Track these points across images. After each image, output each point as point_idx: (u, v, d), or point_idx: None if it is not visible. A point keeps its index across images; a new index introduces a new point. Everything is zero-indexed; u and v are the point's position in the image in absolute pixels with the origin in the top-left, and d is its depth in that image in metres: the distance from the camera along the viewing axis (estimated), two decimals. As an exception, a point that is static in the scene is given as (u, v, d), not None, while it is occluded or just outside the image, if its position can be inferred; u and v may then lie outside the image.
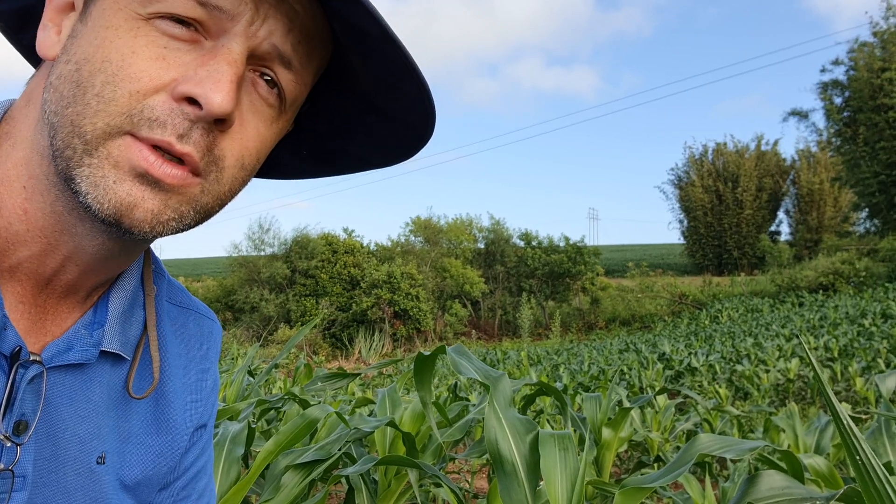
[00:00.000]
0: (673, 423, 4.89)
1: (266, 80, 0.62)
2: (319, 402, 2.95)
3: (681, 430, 4.63)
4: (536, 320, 35.53)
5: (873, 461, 0.76)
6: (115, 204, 0.55)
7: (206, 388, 0.83)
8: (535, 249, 38.83)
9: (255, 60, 0.60)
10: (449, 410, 3.09)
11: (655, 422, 4.66)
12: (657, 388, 6.14)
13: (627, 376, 9.89)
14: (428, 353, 1.73)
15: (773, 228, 50.23)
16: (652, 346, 16.69)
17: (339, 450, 2.05)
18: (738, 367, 9.11)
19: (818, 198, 45.80)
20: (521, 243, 40.02)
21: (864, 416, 5.20)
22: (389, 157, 0.78)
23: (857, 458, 0.77)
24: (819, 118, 47.34)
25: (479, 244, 40.40)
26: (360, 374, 2.83)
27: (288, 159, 0.79)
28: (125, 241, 0.63)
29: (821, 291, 27.04)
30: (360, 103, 0.71)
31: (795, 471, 1.73)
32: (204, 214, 0.62)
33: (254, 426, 2.53)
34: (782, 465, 1.94)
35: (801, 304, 24.78)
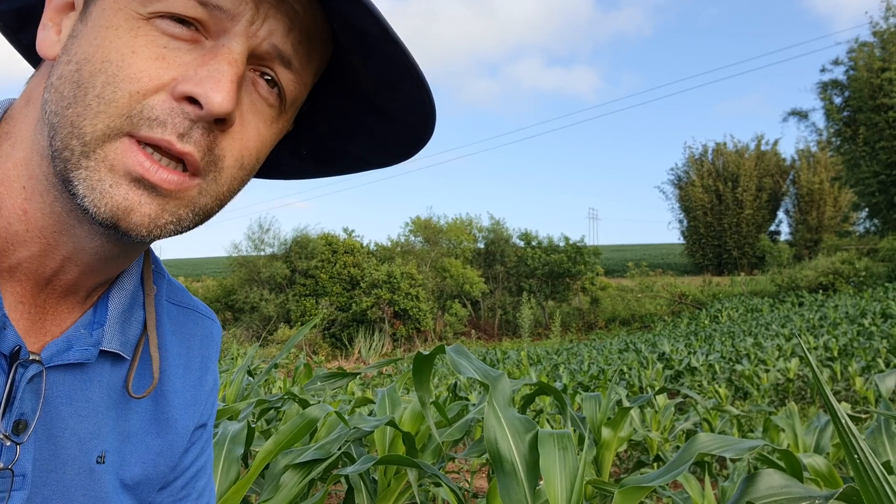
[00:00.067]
0: (672, 422, 4.89)
1: (266, 80, 0.62)
2: (319, 402, 2.95)
3: (680, 430, 4.63)
4: (536, 320, 35.54)
5: (872, 460, 0.76)
6: (111, 208, 0.55)
7: (205, 388, 0.83)
8: (534, 249, 38.83)
9: (256, 60, 0.60)
10: (448, 410, 3.09)
11: (655, 421, 4.66)
12: (657, 388, 6.14)
13: (627, 376, 9.89)
14: (427, 352, 1.73)
15: (772, 228, 50.31)
16: (652, 345, 16.69)
17: (339, 449, 2.05)
18: (738, 367, 9.11)
19: (818, 198, 45.81)
20: (521, 243, 40.03)
21: (863, 416, 5.21)
22: (389, 157, 0.78)
23: (856, 457, 0.77)
24: (819, 118, 47.41)
25: (478, 244, 40.40)
26: (359, 373, 2.83)
27: (288, 159, 0.79)
28: (124, 243, 0.63)
29: (820, 291, 27.05)
30: (359, 103, 0.71)
31: (794, 470, 1.73)
32: (203, 216, 0.62)
33: (253, 426, 2.53)
34: (781, 464, 1.94)
35: (800, 304, 24.78)
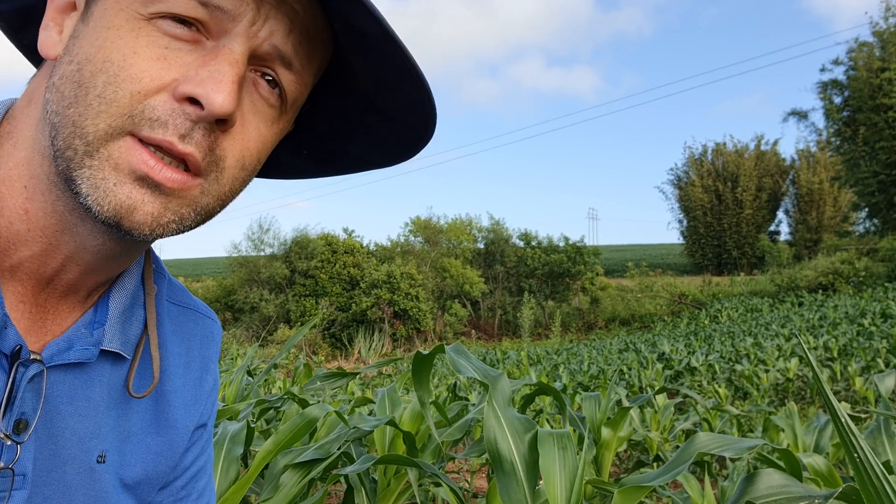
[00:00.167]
0: (672, 422, 4.90)
1: (267, 81, 0.62)
2: (319, 402, 2.95)
3: (680, 430, 4.63)
4: (536, 320, 35.53)
5: (872, 460, 0.76)
6: (115, 206, 0.56)
7: (206, 388, 0.83)
8: (534, 249, 38.82)
9: (257, 61, 0.60)
10: (448, 410, 3.09)
11: (655, 421, 4.66)
12: (656, 388, 6.14)
13: (627, 376, 9.90)
14: (426, 352, 1.73)
15: (772, 228, 50.33)
16: (651, 345, 16.69)
17: (339, 449, 2.05)
18: (738, 367, 9.11)
19: (818, 197, 45.82)
20: (521, 243, 40.03)
21: (863, 416, 5.21)
22: (390, 158, 0.78)
23: (856, 456, 0.77)
24: (819, 118, 47.43)
25: (478, 244, 40.40)
26: (359, 373, 2.83)
27: (288, 159, 0.79)
28: (126, 242, 0.63)
29: (820, 291, 27.06)
30: (360, 103, 0.71)
31: (794, 470, 1.73)
32: (205, 215, 0.62)
33: (253, 426, 2.53)
34: (781, 464, 1.94)
35: (800, 304, 24.79)
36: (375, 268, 34.24)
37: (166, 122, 0.55)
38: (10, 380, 0.60)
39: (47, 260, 0.62)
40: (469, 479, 4.04)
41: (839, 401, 7.15)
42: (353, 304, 32.91)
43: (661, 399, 4.94)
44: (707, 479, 2.15)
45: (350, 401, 3.85)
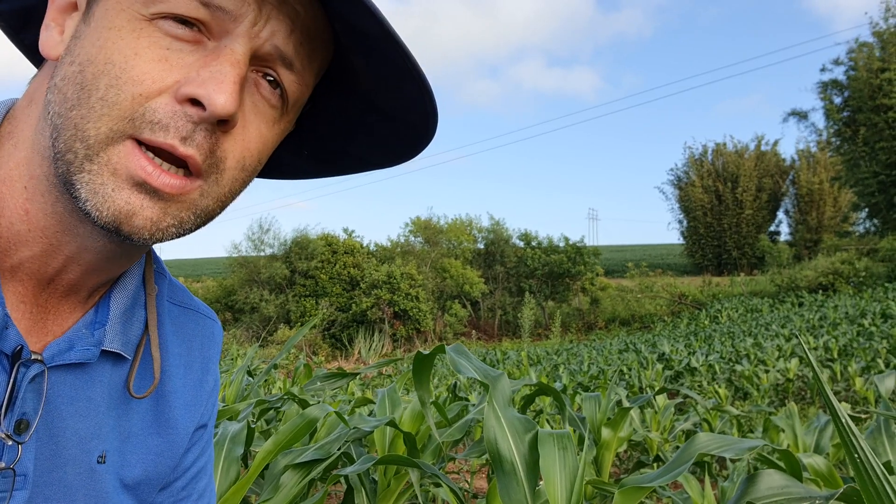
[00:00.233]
0: (672, 422, 4.89)
1: (269, 81, 0.62)
2: (319, 402, 2.95)
3: (680, 430, 4.63)
4: (536, 320, 35.53)
5: (872, 460, 0.76)
6: (113, 212, 0.56)
7: (206, 388, 0.83)
8: (534, 250, 38.82)
9: (258, 61, 0.60)
10: (448, 410, 3.09)
11: (655, 422, 4.66)
12: (656, 388, 6.14)
13: (627, 376, 9.89)
14: (427, 352, 1.73)
15: (772, 228, 50.34)
16: (651, 346, 16.69)
17: (339, 449, 2.05)
18: (738, 367, 9.11)
19: (818, 198, 45.82)
20: (521, 243, 40.03)
21: (863, 416, 5.21)
22: (391, 158, 0.77)
23: (856, 457, 0.77)
24: (819, 118, 47.45)
25: (478, 244, 40.40)
26: (359, 373, 2.83)
27: (289, 159, 0.79)
28: (126, 244, 0.63)
29: (820, 291, 27.06)
30: (361, 103, 0.71)
31: (794, 470, 1.73)
32: (205, 218, 0.62)
33: (253, 426, 2.53)
34: (781, 464, 1.94)
35: (800, 304, 24.78)
36: (375, 268, 34.24)
37: (167, 126, 0.55)
38: (12, 380, 0.60)
39: (48, 260, 0.62)
40: (469, 480, 4.04)
41: (839, 401, 7.15)
42: (354, 305, 32.91)
43: (661, 399, 4.94)
44: (707, 479, 2.15)
45: (350, 401, 3.85)
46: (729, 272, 43.99)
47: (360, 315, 32.62)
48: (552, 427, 4.81)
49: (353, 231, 39.32)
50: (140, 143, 0.56)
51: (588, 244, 40.02)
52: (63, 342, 0.65)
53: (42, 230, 0.61)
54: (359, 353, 29.51)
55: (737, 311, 26.99)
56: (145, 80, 0.55)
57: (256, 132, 0.63)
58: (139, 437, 0.74)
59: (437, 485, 2.47)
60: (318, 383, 2.79)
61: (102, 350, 0.68)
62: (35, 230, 0.61)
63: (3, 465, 0.60)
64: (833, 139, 36.01)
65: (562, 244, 38.63)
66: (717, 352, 12.14)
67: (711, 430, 5.00)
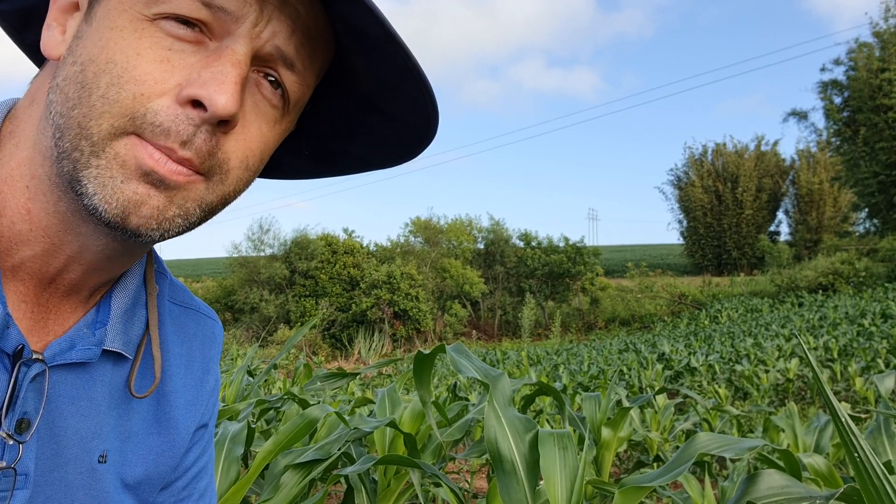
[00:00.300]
0: (672, 422, 4.90)
1: (270, 81, 0.62)
2: (319, 402, 2.95)
3: (680, 430, 4.63)
4: (536, 320, 35.53)
5: (872, 460, 0.76)
6: (122, 202, 0.56)
7: (207, 388, 0.83)
8: (534, 250, 38.83)
9: (259, 62, 0.61)
10: (448, 410, 3.09)
11: (655, 421, 4.66)
12: (656, 388, 6.13)
13: (627, 376, 9.89)
14: (427, 352, 1.73)
15: (772, 228, 50.34)
16: (651, 346, 16.69)
17: (339, 450, 2.05)
18: (738, 367, 9.11)
19: (818, 198, 45.82)
20: (521, 244, 40.04)
21: (863, 416, 5.21)
22: (392, 158, 0.78)
23: (857, 456, 0.77)
24: (819, 118, 47.46)
25: (478, 244, 40.40)
26: (359, 373, 2.83)
27: (290, 159, 0.79)
28: (129, 242, 0.63)
29: (820, 291, 27.06)
30: (362, 103, 0.71)
31: (793, 470, 1.73)
32: (209, 212, 0.63)
33: (253, 426, 2.53)
34: (781, 464, 1.94)
35: (800, 305, 24.78)
36: (375, 268, 34.24)
37: (168, 130, 0.55)
38: (13, 379, 0.60)
39: (49, 260, 0.62)
40: (469, 480, 4.04)
41: (839, 401, 7.15)
42: (353, 305, 32.91)
43: (661, 399, 4.94)
44: (707, 479, 2.15)
45: (350, 401, 3.85)
46: (729, 272, 44.00)
47: (359, 315, 32.62)
48: (552, 427, 4.81)
49: (353, 231, 39.38)
50: (143, 139, 0.56)
51: (588, 244, 40.05)
52: (64, 341, 0.65)
53: (44, 229, 0.61)
54: (359, 353, 29.51)
55: (737, 312, 27.00)
56: (147, 80, 0.55)
57: (258, 132, 0.63)
58: (140, 437, 0.74)
59: (438, 485, 2.47)
60: (318, 383, 2.79)
61: (103, 350, 0.68)
62: (37, 230, 0.61)
63: (4, 464, 0.60)
64: (833, 139, 36.02)
65: (562, 244, 38.63)
66: (717, 352, 12.14)
67: (711, 429, 5.00)
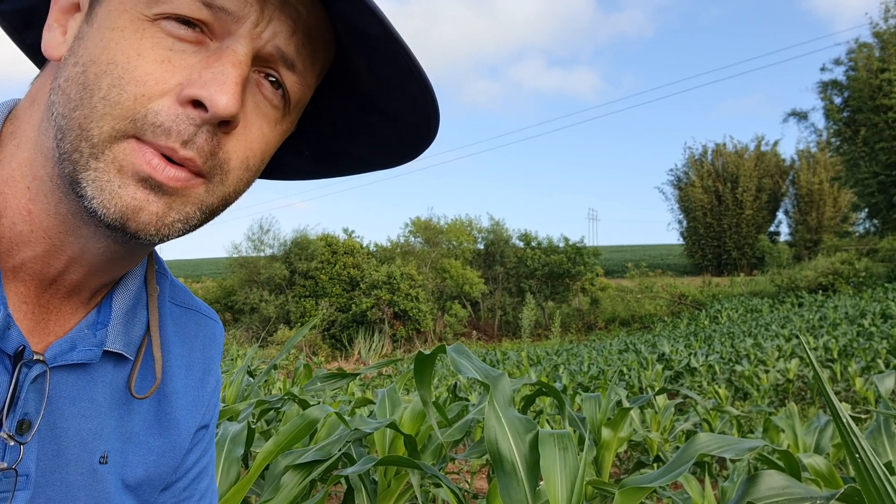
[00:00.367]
0: (672, 423, 4.90)
1: (271, 82, 0.62)
2: (319, 403, 2.95)
3: (680, 430, 4.63)
4: (536, 321, 35.53)
5: (873, 460, 0.76)
6: (120, 208, 0.56)
7: (208, 389, 0.83)
8: (534, 250, 38.83)
9: (260, 62, 0.61)
10: (448, 410, 3.09)
11: (655, 422, 4.66)
12: (657, 389, 6.14)
13: (627, 377, 9.89)
14: (428, 352, 1.73)
15: (772, 229, 50.35)
16: (651, 346, 16.69)
17: (339, 450, 2.05)
18: (738, 368, 9.11)
19: (818, 198, 45.83)
20: (521, 244, 40.04)
21: (863, 416, 5.21)
22: (393, 158, 0.78)
23: (857, 456, 0.77)
24: (819, 118, 47.46)
25: (478, 245, 40.40)
26: (359, 374, 2.83)
27: (291, 160, 0.79)
28: (130, 244, 0.63)
29: (820, 292, 27.06)
30: (363, 104, 0.71)
31: (793, 470, 1.73)
32: (209, 214, 0.62)
33: (253, 426, 2.53)
34: (781, 464, 1.94)
35: (800, 305, 24.79)
36: (375, 268, 34.25)
37: (169, 129, 0.55)
38: (14, 380, 0.60)
39: (50, 261, 0.62)
40: (469, 480, 4.04)
41: (839, 401, 7.14)
42: (353, 305, 32.91)
43: (661, 400, 4.94)
44: (707, 479, 2.15)
45: (350, 402, 3.85)
46: (729, 272, 44.01)
47: (359, 315, 32.62)
48: (552, 427, 4.80)
49: (352, 231, 39.39)
50: (142, 142, 0.56)
51: (588, 244, 40.05)
52: (65, 342, 0.65)
53: (44, 231, 0.61)
54: (359, 353, 29.51)
55: (737, 312, 27.00)
56: (148, 80, 0.55)
57: (259, 132, 0.63)
58: (141, 438, 0.74)
59: (438, 485, 2.47)
60: (318, 384, 2.79)
61: (104, 350, 0.68)
62: (37, 231, 0.61)
63: (5, 465, 0.60)
64: (833, 139, 36.02)
65: (562, 244, 38.64)
66: (717, 352, 12.14)
67: (711, 430, 5.00)
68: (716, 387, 7.94)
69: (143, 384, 0.73)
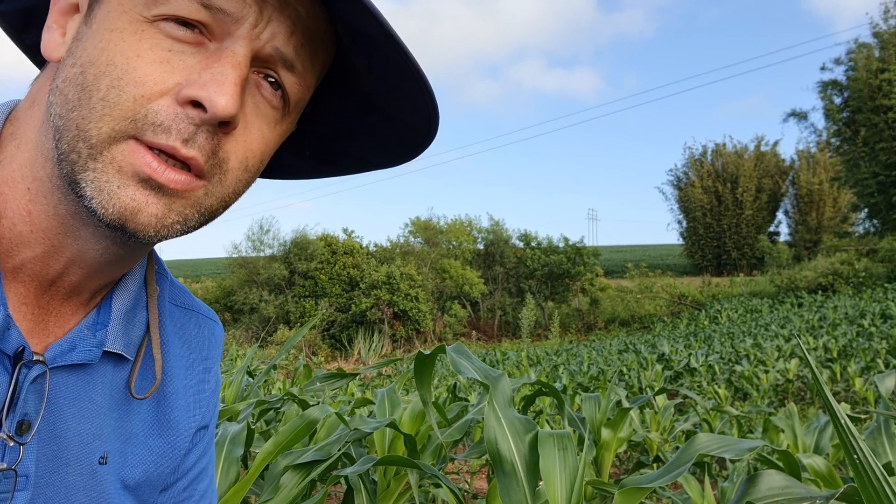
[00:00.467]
0: (672, 423, 4.90)
1: (270, 82, 0.62)
2: (318, 403, 2.95)
3: (680, 431, 4.63)
4: (536, 321, 35.53)
5: (871, 460, 0.76)
6: (119, 209, 0.56)
7: (207, 389, 0.83)
8: (534, 250, 38.83)
9: (259, 63, 0.61)
10: (448, 411, 3.09)
11: (655, 422, 4.66)
12: (656, 389, 6.14)
13: (627, 377, 9.90)
14: (428, 352, 1.73)
15: (772, 229, 50.35)
16: (651, 346, 16.69)
17: (339, 450, 2.05)
18: (738, 368, 9.11)
19: (817, 198, 45.84)
20: (521, 244, 40.04)
21: (863, 417, 5.21)
22: (392, 158, 0.78)
23: (856, 457, 0.77)
24: (819, 118, 47.46)
25: (478, 245, 40.40)
26: (358, 374, 2.83)
27: (291, 160, 0.80)
28: (129, 245, 0.63)
29: (820, 292, 27.07)
30: (362, 104, 0.71)
31: (793, 470, 1.73)
32: (208, 216, 0.62)
33: (253, 427, 2.53)
34: (781, 465, 1.94)
35: (800, 305, 24.79)
36: (375, 269, 34.24)
37: (169, 128, 0.55)
38: (13, 381, 0.60)
39: (50, 262, 0.62)
40: (469, 480, 4.04)
41: (839, 402, 7.16)
42: (353, 305, 32.90)
43: (660, 400, 4.94)
44: (707, 479, 2.15)
45: (350, 402, 3.85)
46: (728, 273, 44.01)
47: (359, 315, 32.62)
48: (552, 427, 4.80)
49: (352, 231, 39.38)
50: (142, 144, 0.56)
51: (588, 244, 40.05)
52: (65, 343, 0.65)
53: (44, 231, 0.61)
54: (358, 353, 29.51)
55: (736, 312, 27.00)
56: (147, 81, 0.55)
57: (258, 133, 0.63)
58: (140, 438, 0.74)
59: (437, 485, 2.47)
60: (318, 384, 2.79)
61: (104, 351, 0.68)
62: (37, 231, 0.61)
63: (4, 465, 0.60)
64: (833, 139, 36.01)
65: (561, 245, 38.63)
66: (717, 352, 12.14)
67: (711, 430, 5.00)
68: (715, 387, 7.94)
69: (143, 385, 0.73)
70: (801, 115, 38.78)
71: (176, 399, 0.78)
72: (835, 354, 9.58)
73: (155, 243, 0.62)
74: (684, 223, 51.25)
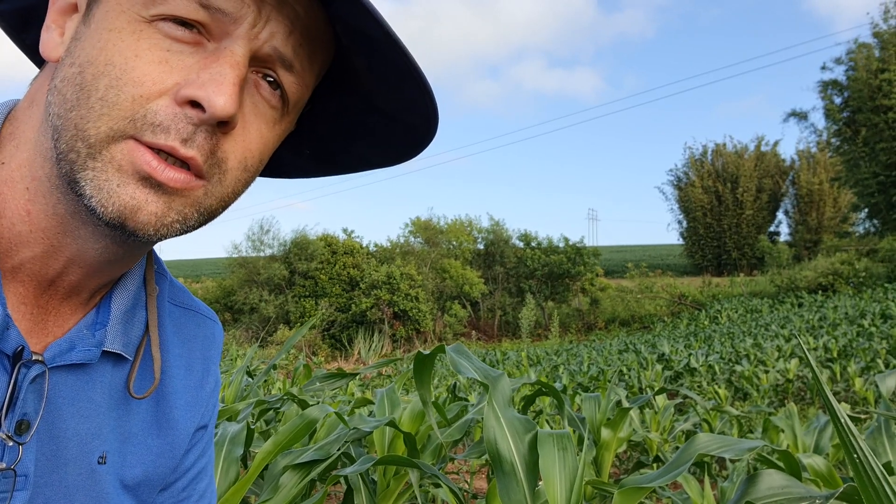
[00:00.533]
0: (672, 423, 4.90)
1: (269, 82, 0.62)
2: (318, 403, 2.95)
3: (680, 431, 4.63)
4: (536, 321, 35.52)
5: (871, 460, 0.76)
6: (119, 207, 0.56)
7: (207, 389, 0.83)
8: (534, 250, 38.82)
9: (258, 62, 0.61)
10: (448, 411, 3.09)
11: (654, 422, 4.66)
12: (656, 389, 6.13)
13: (627, 377, 9.90)
14: (427, 352, 1.73)
15: (772, 229, 50.33)
16: (651, 346, 16.69)
17: (338, 450, 2.05)
18: (738, 368, 9.11)
19: (818, 198, 45.84)
20: (521, 244, 40.03)
21: (863, 417, 5.21)
22: (392, 158, 0.78)
23: (856, 457, 0.77)
24: (819, 118, 47.45)
25: (478, 245, 40.39)
26: (358, 374, 2.83)
27: (290, 159, 0.80)
28: (128, 244, 0.63)
29: (820, 292, 27.06)
30: (362, 104, 0.71)
31: (793, 470, 1.73)
32: (208, 216, 0.63)
33: (252, 426, 2.53)
34: (781, 464, 1.94)
35: (800, 305, 24.80)
36: (375, 269, 34.24)
37: (168, 128, 0.55)
38: (12, 380, 0.60)
39: (49, 262, 0.62)
40: (469, 480, 4.04)
41: (839, 401, 7.16)
42: (353, 305, 32.90)
43: (660, 400, 4.94)
44: (707, 479, 2.15)
45: (350, 402, 3.85)
46: (729, 273, 44.00)
47: (359, 315, 32.61)
48: (552, 427, 4.80)
49: (352, 231, 39.37)
50: (141, 143, 0.56)
51: (588, 245, 40.04)
52: (64, 343, 0.65)
53: (43, 231, 0.61)
54: (358, 353, 29.51)
55: (736, 312, 27.00)
56: (145, 81, 0.55)
57: (257, 133, 0.63)
58: (139, 438, 0.74)
59: (437, 485, 2.47)
60: (318, 384, 2.79)
61: (103, 351, 0.68)
62: (36, 231, 0.61)
63: (3, 465, 0.60)
64: (833, 139, 36.00)
65: (561, 245, 38.63)
66: (717, 352, 12.14)
67: (711, 430, 5.00)
68: (715, 387, 7.95)
69: (142, 384, 0.73)
70: (801, 115, 38.78)
71: (175, 399, 0.78)
72: (835, 354, 9.59)
73: (154, 242, 0.62)
74: (684, 223, 51.28)
